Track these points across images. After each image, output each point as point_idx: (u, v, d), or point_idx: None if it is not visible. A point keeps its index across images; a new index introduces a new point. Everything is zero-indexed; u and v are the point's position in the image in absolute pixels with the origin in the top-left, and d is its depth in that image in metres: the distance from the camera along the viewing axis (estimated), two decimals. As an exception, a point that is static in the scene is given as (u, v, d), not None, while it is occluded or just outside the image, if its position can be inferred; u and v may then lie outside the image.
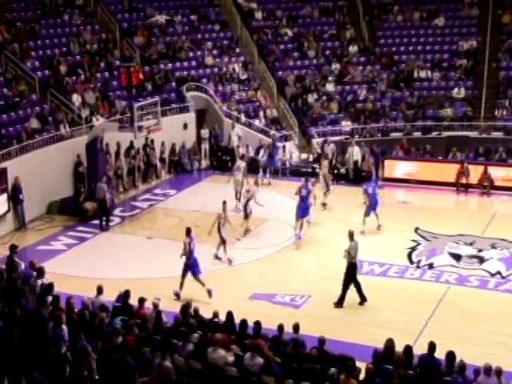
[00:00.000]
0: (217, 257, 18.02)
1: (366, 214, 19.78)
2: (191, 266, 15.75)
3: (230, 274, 17.33)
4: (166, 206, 22.89)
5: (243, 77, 29.89)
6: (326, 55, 31.40)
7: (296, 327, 11.60)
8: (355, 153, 25.08)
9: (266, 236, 19.90)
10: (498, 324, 14.57)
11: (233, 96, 28.92)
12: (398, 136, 27.65)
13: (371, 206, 19.78)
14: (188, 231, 15.93)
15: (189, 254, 15.68)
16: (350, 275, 15.40)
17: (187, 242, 15.71)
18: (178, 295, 15.66)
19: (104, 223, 20.64)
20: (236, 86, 29.40)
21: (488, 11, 31.80)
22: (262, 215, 20.64)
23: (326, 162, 23.15)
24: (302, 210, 19.34)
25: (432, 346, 10.81)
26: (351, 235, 15.60)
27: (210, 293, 15.56)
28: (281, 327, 11.64)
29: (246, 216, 19.83)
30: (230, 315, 12.08)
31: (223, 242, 17.83)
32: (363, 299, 15.43)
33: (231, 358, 10.66)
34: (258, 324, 11.51)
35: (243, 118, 27.88)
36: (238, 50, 30.99)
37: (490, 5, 31.82)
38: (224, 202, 18.24)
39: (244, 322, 11.88)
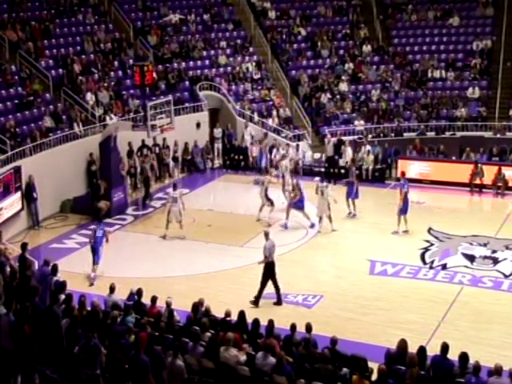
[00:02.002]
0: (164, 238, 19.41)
1: (402, 212, 19.51)
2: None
3: (242, 274, 17.30)
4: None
5: (256, 76, 29.88)
6: (340, 55, 31.33)
7: (308, 327, 11.57)
8: (347, 153, 24.97)
9: (278, 235, 19.81)
10: (512, 326, 14.49)
11: (246, 95, 28.93)
12: (412, 136, 27.54)
13: (406, 204, 19.49)
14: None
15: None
16: (268, 274, 15.41)
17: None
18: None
19: (145, 201, 22.42)
20: (249, 85, 29.39)
21: (503, 11, 31.57)
22: (274, 215, 20.61)
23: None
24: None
25: (445, 347, 10.75)
26: (266, 235, 15.65)
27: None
28: (293, 327, 11.62)
29: (270, 204, 20.51)
30: (242, 314, 12.07)
31: (169, 222, 19.37)
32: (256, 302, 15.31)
33: (243, 358, 10.65)
34: (270, 323, 11.47)
35: (256, 118, 27.87)
36: (251, 49, 30.98)
37: (505, 4, 31.57)
38: (174, 185, 20.02)
39: (256, 322, 11.87)
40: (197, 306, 12.30)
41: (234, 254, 18.39)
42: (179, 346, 10.39)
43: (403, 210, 19.53)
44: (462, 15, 32.26)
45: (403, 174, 20.61)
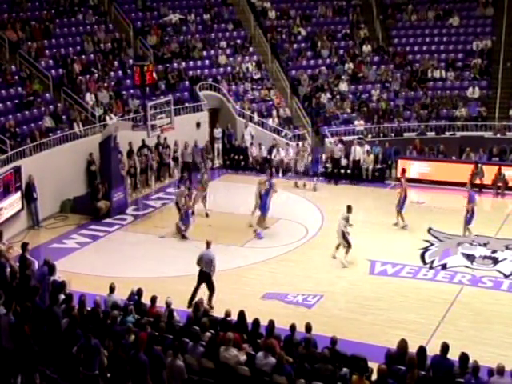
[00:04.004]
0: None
1: (468, 222, 19.06)
2: None
3: (242, 274, 17.32)
4: (179, 205, 22.91)
5: (256, 76, 29.90)
6: (340, 55, 31.34)
7: (308, 327, 11.59)
8: (356, 152, 24.95)
9: (278, 235, 19.85)
10: (512, 325, 14.49)
11: (246, 95, 28.94)
12: (412, 136, 27.53)
13: (473, 214, 19.00)
14: None
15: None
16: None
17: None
18: None
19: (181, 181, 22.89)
20: (249, 85, 29.40)
21: (503, 11, 31.56)
22: (275, 214, 20.60)
23: None
24: None
25: (445, 347, 10.76)
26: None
27: None
28: (293, 327, 11.62)
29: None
30: (242, 314, 12.07)
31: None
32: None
33: (243, 358, 10.65)
34: (271, 323, 11.48)
35: (256, 118, 27.88)
36: (251, 49, 30.98)
37: (504, 4, 31.57)
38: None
39: (256, 322, 11.87)
40: (198, 305, 12.31)
41: (234, 253, 18.39)
42: (179, 345, 10.40)
43: (469, 220, 19.10)
44: (462, 15, 32.25)
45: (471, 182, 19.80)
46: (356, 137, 26.73)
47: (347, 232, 17.63)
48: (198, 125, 26.79)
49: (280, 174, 25.50)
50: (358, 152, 24.88)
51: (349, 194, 23.12)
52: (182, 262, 17.88)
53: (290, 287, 16.24)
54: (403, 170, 21.74)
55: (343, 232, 17.59)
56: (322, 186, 24.27)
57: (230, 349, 10.63)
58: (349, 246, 17.64)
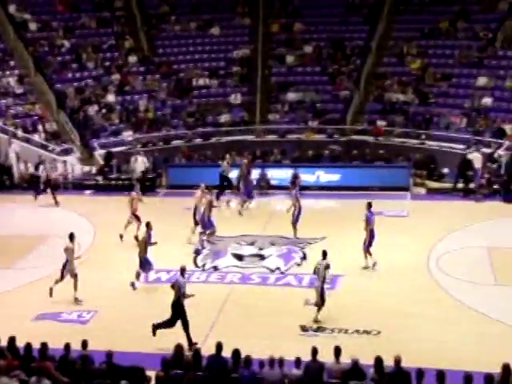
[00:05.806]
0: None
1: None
2: None
3: (12, 297, 16.67)
4: None
5: (19, 90, 28.95)
6: (106, 66, 31.24)
7: (84, 343, 11.55)
8: (141, 164, 25.17)
9: (49, 254, 19.19)
10: (279, 317, 15.32)
11: (8, 111, 27.81)
12: (180, 143, 28.27)
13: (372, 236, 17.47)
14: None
15: None
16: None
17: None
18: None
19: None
20: (11, 100, 28.31)
21: (259, 21, 33.50)
22: (45, 232, 20.05)
23: None
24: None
25: (219, 346, 11.34)
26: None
27: None
28: (67, 346, 11.49)
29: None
30: (12, 340, 11.67)
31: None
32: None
33: (15, 385, 10.35)
34: (43, 346, 11.28)
35: (20, 134, 26.89)
36: (12, 62, 29.96)
37: (260, 15, 33.54)
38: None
39: (28, 345, 11.56)
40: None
41: (1, 276, 17.60)
42: None
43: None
44: (222, 25, 33.67)
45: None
46: (127, 147, 26.83)
47: (327, 281, 15.43)
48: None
49: (48, 190, 24.82)
50: (144, 162, 25.02)
51: (121, 203, 23.03)
52: None
53: (63, 305, 15.88)
54: (293, 182, 20.45)
55: (323, 286, 14.93)
56: (92, 199, 24.02)
57: (1, 378, 10.26)
58: (323, 303, 14.98)
